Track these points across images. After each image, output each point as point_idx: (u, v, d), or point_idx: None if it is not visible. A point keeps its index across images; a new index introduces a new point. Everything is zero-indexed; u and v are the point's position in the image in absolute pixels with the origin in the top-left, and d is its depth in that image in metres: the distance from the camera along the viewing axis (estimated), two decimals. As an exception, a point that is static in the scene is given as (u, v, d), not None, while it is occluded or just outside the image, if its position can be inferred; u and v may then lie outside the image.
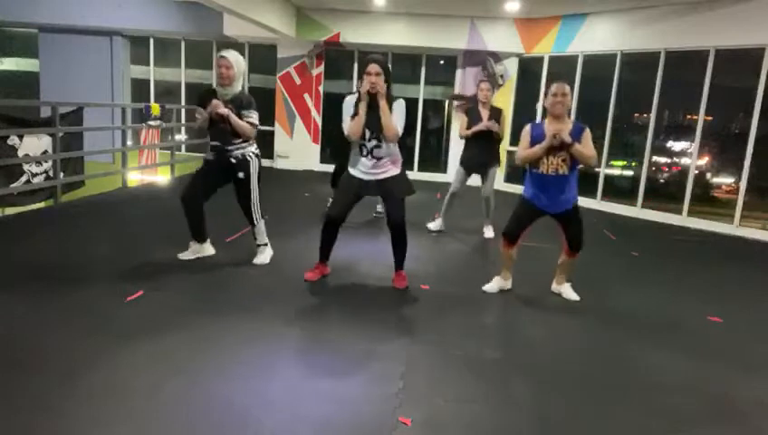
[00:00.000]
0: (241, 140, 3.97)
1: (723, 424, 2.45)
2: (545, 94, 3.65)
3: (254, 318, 3.20)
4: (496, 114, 5.49)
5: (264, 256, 4.27)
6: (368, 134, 3.59)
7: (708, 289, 4.57)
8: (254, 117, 3.94)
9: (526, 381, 2.70)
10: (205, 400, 2.31)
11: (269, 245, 4.31)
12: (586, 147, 3.58)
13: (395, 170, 3.74)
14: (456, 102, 9.93)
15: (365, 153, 3.65)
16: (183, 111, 10.23)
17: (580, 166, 3.61)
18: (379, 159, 3.64)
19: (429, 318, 3.43)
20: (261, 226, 4.21)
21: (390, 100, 3.59)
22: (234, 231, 4.78)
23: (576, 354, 3.09)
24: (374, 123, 3.55)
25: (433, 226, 5.83)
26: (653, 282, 4.62)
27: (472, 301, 3.81)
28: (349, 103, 3.65)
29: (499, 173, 9.44)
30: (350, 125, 3.59)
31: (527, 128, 3.74)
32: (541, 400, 2.53)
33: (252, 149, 4.07)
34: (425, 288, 3.95)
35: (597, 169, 8.59)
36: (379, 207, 6.08)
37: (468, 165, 5.65)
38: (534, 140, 3.63)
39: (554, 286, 4.06)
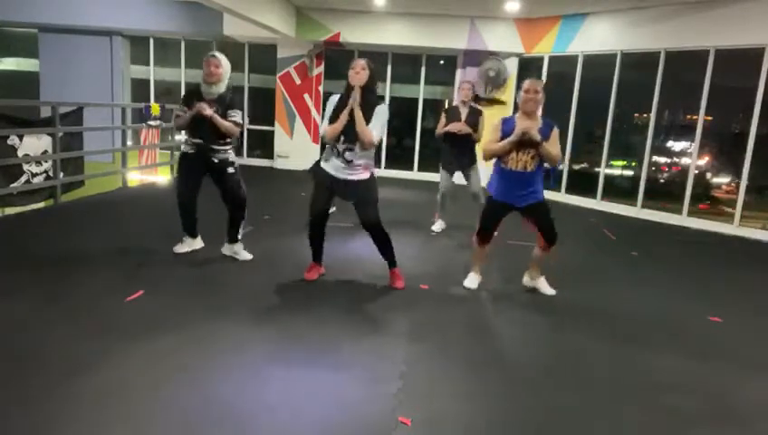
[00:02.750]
0: (224, 140, 4.04)
1: (723, 424, 2.45)
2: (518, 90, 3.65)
3: (253, 318, 3.20)
4: (475, 116, 5.48)
5: (244, 250, 4.31)
6: (342, 138, 3.57)
7: (708, 289, 4.57)
8: (237, 116, 4.03)
9: (526, 381, 2.70)
10: (204, 399, 2.31)
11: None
12: (553, 146, 3.60)
13: (365, 175, 3.67)
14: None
15: (336, 154, 3.63)
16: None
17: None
18: (349, 162, 3.61)
19: (429, 318, 3.43)
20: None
21: (374, 102, 3.57)
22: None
23: (576, 354, 3.08)
24: (350, 129, 3.52)
25: (436, 227, 5.87)
26: (653, 282, 4.62)
27: (471, 301, 3.81)
28: (332, 103, 3.63)
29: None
30: (327, 129, 3.58)
31: (497, 122, 3.74)
32: (541, 399, 2.53)
33: (232, 153, 4.15)
34: (424, 288, 3.95)
35: (597, 169, 8.60)
36: None
37: (448, 166, 5.69)
38: (504, 136, 3.64)
39: (527, 280, 4.04)
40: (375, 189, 3.76)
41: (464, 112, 5.48)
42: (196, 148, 4.04)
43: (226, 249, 4.31)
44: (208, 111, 3.87)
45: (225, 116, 3.96)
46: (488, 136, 3.75)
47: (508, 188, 3.71)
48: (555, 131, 3.65)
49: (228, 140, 4.09)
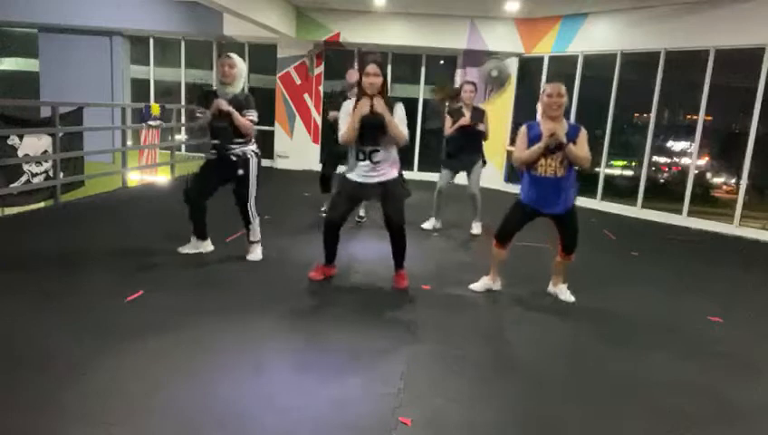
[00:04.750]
0: (242, 139, 4.08)
1: (723, 424, 2.45)
2: (541, 94, 3.57)
3: (254, 318, 3.20)
4: (479, 114, 5.57)
5: (257, 253, 4.34)
6: (365, 142, 3.59)
7: (708, 289, 4.56)
8: (253, 115, 4.09)
9: (527, 382, 2.70)
10: (204, 399, 2.31)
11: (260, 243, 4.36)
12: (581, 148, 3.53)
13: (393, 173, 3.73)
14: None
15: (362, 157, 3.64)
16: (183, 111, 10.23)
17: (576, 167, 3.59)
18: (377, 162, 3.64)
19: (430, 318, 3.43)
20: (256, 224, 4.28)
21: (390, 102, 3.60)
22: (233, 231, 4.78)
23: (576, 355, 3.08)
24: (370, 132, 3.55)
25: (427, 225, 5.90)
26: (653, 282, 4.62)
27: (472, 301, 3.81)
28: (346, 109, 3.64)
29: (498, 172, 9.51)
30: (343, 134, 3.61)
31: (523, 129, 3.68)
32: (541, 400, 2.53)
33: (252, 148, 4.18)
34: (425, 288, 3.95)
35: (597, 169, 8.60)
36: (362, 212, 6.11)
37: (452, 165, 5.74)
38: (531, 141, 3.57)
39: (550, 288, 4.02)
40: (403, 187, 3.79)
41: (467, 113, 5.55)
42: (216, 151, 4.12)
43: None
44: (226, 105, 3.92)
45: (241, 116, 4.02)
46: (516, 143, 3.67)
47: (539, 195, 3.64)
48: (583, 133, 3.56)
49: (245, 139, 4.10)
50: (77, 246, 4.41)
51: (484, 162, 5.77)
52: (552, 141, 3.46)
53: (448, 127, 5.59)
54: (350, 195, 3.75)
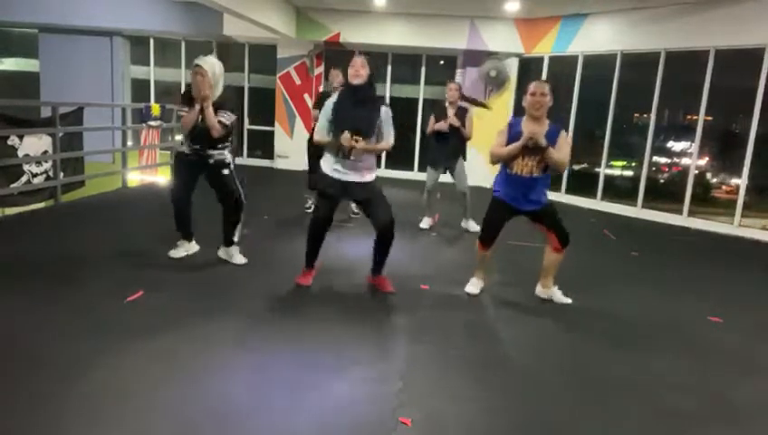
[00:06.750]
0: (221, 144, 4.01)
1: (723, 424, 2.45)
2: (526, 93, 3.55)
3: (254, 318, 3.20)
4: (462, 113, 5.65)
5: (239, 255, 4.27)
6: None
7: (708, 289, 4.56)
8: (224, 118, 3.90)
9: (526, 382, 2.70)
10: (204, 400, 2.31)
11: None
12: (560, 150, 3.50)
13: (371, 176, 3.65)
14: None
15: (341, 155, 3.53)
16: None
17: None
18: (354, 160, 3.52)
19: (429, 318, 3.43)
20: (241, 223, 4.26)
21: (377, 101, 3.56)
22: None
23: (576, 355, 3.08)
24: (354, 124, 3.45)
25: (424, 224, 5.99)
26: (653, 282, 4.62)
27: (471, 301, 3.81)
28: (327, 113, 3.56)
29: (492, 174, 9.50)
30: (319, 141, 3.60)
31: (504, 126, 3.68)
32: (541, 400, 2.54)
33: (229, 157, 4.12)
34: (424, 288, 3.95)
35: (597, 169, 8.60)
36: (355, 207, 6.13)
37: (435, 164, 5.88)
38: (511, 139, 3.55)
39: (540, 290, 3.90)
40: (381, 189, 3.73)
41: (451, 111, 5.65)
42: (193, 152, 4.03)
43: (222, 252, 4.29)
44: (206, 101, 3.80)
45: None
46: (494, 139, 3.65)
47: (514, 193, 3.63)
48: (563, 135, 3.55)
49: (224, 145, 4.05)
50: (77, 246, 4.41)
51: (464, 158, 5.84)
52: (530, 143, 3.44)
53: (431, 125, 5.72)
54: (331, 194, 3.64)
